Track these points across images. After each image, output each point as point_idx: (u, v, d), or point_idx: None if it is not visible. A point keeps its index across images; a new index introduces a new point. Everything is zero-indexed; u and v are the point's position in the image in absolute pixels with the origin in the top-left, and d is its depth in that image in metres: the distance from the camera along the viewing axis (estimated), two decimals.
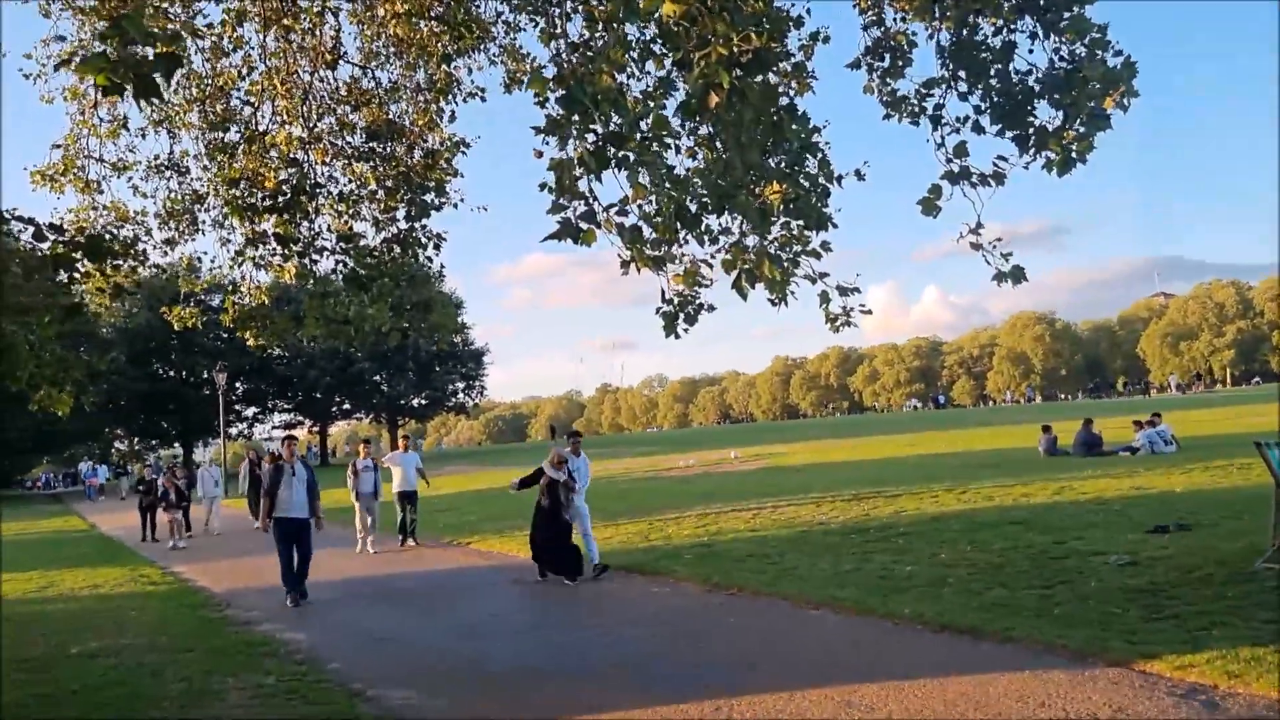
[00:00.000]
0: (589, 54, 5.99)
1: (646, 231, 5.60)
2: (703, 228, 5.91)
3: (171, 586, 13.02)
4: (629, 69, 6.39)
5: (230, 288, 10.09)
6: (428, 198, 9.06)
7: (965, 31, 6.28)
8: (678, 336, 6.04)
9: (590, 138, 4.79)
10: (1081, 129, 5.83)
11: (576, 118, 4.73)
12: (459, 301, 55.74)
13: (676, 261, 6.04)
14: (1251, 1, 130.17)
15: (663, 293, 5.92)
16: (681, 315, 6.08)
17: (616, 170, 4.95)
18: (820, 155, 6.22)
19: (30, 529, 26.62)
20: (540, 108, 4.95)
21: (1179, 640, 6.30)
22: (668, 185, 5.64)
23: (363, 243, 9.13)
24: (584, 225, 4.90)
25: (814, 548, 11.42)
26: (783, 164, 6.12)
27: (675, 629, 8.23)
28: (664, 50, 5.75)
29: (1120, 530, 10.68)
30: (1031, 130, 6.08)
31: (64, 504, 40.28)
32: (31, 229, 5.71)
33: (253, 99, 9.50)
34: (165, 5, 8.40)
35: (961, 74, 6.34)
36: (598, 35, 6.15)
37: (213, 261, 10.49)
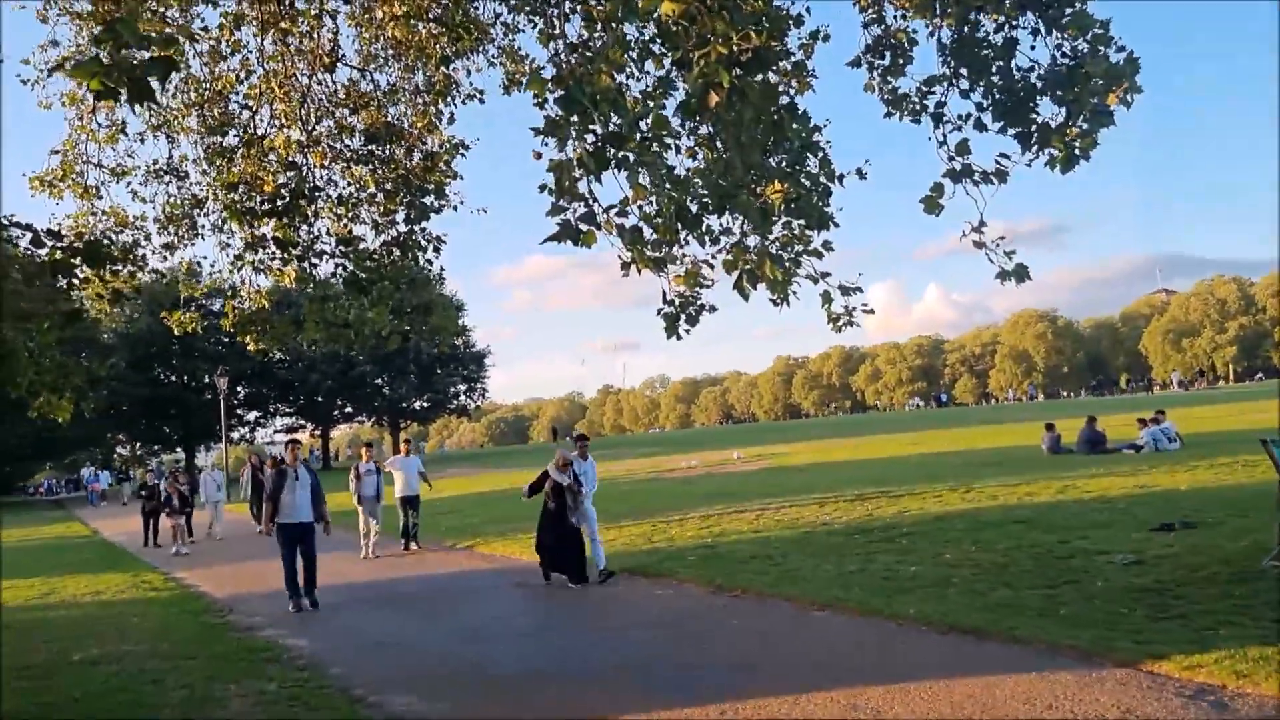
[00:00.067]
0: (588, 54, 5.96)
1: (647, 232, 5.57)
2: (703, 228, 5.88)
3: (173, 592, 13.00)
4: (628, 69, 6.37)
5: (230, 292, 10.08)
6: (427, 200, 9.02)
7: (966, 28, 6.24)
8: (679, 338, 6.01)
9: (590, 138, 4.76)
10: (1084, 125, 5.79)
11: (575, 118, 4.70)
12: (460, 304, 55.81)
13: (677, 262, 6.02)
14: (1251, 1, 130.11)
15: (664, 294, 5.89)
16: (683, 316, 6.05)
17: (616, 171, 4.91)
18: (821, 154, 6.17)
19: (32, 535, 26.60)
20: (539, 109, 4.90)
21: (1186, 640, 6.26)
22: (668, 186, 5.60)
23: (362, 246, 9.10)
24: (584, 227, 4.86)
25: (817, 548, 11.38)
26: (783, 163, 6.07)
27: (679, 631, 8.20)
28: (663, 50, 5.72)
29: (1125, 529, 10.63)
30: (1034, 127, 6.03)
31: (66, 510, 40.26)
32: (30, 235, 5.70)
33: (251, 103, 9.48)
34: (162, 9, 8.38)
35: (963, 71, 6.30)
36: (596, 35, 6.12)
37: (212, 266, 10.45)
